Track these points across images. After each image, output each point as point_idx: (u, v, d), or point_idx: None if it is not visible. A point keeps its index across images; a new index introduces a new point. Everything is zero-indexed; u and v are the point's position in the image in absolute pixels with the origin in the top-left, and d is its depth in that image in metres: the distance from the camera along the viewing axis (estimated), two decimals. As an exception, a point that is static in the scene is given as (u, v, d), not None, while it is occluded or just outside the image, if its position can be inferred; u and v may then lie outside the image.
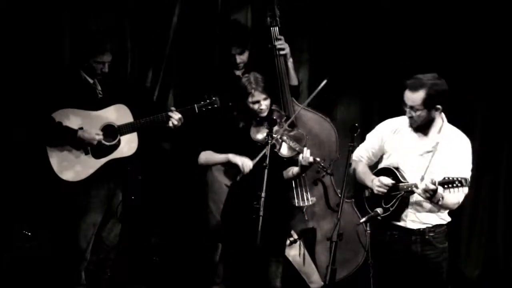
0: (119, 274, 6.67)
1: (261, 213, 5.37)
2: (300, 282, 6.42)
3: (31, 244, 6.71)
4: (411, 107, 5.37)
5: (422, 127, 5.44)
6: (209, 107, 6.23)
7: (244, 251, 5.63)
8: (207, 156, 5.83)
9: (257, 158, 5.55)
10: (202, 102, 6.23)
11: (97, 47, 6.18)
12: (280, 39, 6.53)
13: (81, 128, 6.13)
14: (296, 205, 6.46)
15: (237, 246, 5.71)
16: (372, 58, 7.33)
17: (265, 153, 5.50)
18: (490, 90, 7.38)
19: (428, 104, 5.34)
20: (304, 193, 6.49)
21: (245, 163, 5.61)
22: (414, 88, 5.34)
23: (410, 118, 5.42)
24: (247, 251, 5.56)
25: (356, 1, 7.23)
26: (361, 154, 5.68)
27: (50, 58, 6.76)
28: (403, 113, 5.53)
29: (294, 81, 6.65)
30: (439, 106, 5.39)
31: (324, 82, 5.99)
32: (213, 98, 6.23)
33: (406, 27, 7.25)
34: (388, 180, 5.42)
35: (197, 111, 6.24)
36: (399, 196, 5.42)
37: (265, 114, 5.71)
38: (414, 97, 5.34)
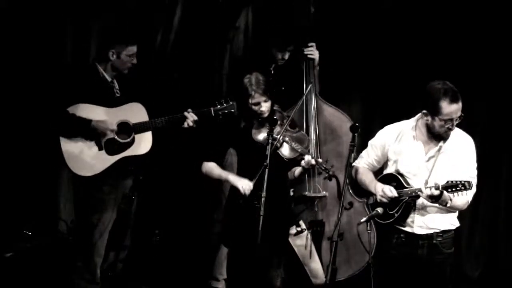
0: (120, 273, 6.68)
1: (262, 213, 5.36)
2: (301, 282, 6.40)
3: (37, 243, 6.73)
4: (459, 117, 5.31)
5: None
6: (226, 111, 6.14)
7: (245, 251, 5.62)
8: (208, 170, 5.77)
9: (257, 177, 5.49)
10: (219, 106, 6.15)
11: (130, 39, 6.16)
12: (311, 46, 6.62)
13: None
14: (308, 195, 6.46)
15: (238, 245, 5.71)
16: (373, 58, 7.35)
17: (263, 172, 5.43)
18: (490, 91, 7.39)
19: None
20: (317, 185, 6.49)
21: (245, 186, 5.53)
22: (457, 99, 5.27)
23: (449, 130, 5.35)
24: (248, 251, 5.54)
25: (359, 2, 7.25)
26: (364, 162, 5.66)
27: (60, 56, 6.80)
28: (405, 115, 5.55)
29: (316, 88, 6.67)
30: None
31: (310, 87, 5.98)
32: (231, 103, 6.14)
33: (408, 29, 7.27)
34: (391, 193, 5.39)
35: (213, 114, 6.16)
36: (403, 202, 5.42)
37: (265, 115, 5.67)
38: (458, 108, 5.27)
